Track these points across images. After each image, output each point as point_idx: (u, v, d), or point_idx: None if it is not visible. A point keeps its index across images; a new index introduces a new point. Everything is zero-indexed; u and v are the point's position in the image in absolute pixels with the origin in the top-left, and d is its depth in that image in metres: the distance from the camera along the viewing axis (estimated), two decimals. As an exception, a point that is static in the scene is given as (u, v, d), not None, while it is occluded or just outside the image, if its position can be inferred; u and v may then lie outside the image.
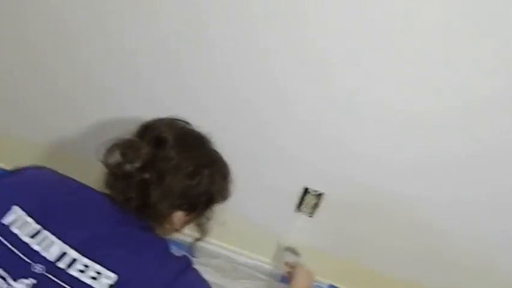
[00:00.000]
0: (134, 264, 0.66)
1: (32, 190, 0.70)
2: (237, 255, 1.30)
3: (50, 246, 0.63)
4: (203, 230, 0.84)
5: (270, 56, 0.94)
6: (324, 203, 1.14)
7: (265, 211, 1.21)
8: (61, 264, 0.62)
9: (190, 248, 0.87)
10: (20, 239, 0.62)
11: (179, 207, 0.77)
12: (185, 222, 0.82)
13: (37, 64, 1.13)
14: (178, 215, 0.78)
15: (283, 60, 0.93)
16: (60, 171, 0.78)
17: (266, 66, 0.95)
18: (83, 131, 1.21)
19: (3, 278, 0.59)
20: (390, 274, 1.22)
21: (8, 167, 1.26)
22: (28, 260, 0.61)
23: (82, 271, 0.62)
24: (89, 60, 1.08)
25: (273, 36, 0.91)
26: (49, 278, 0.61)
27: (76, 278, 0.61)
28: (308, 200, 1.13)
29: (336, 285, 1.27)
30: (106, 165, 0.74)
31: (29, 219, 0.64)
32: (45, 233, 0.64)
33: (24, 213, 0.64)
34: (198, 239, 0.85)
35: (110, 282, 0.62)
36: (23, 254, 0.61)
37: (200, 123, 0.86)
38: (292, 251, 1.23)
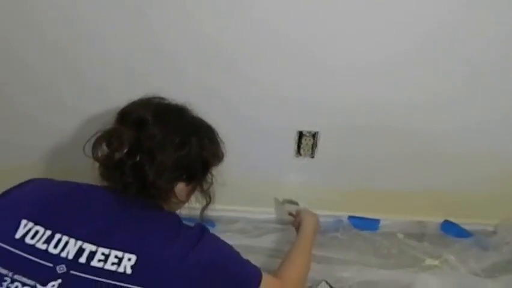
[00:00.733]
0: (150, 241, 0.67)
1: (34, 201, 0.70)
2: (254, 214, 1.31)
3: (66, 246, 0.63)
4: (208, 195, 0.84)
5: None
6: (321, 141, 1.14)
7: (267, 164, 1.21)
8: (82, 260, 0.62)
9: (202, 217, 0.87)
10: (37, 248, 0.63)
11: (178, 179, 0.78)
12: (189, 192, 0.83)
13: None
14: (180, 187, 0.79)
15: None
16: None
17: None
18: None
19: (33, 286, 0.60)
20: (399, 188, 1.24)
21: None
22: (50, 264, 0.62)
23: (102, 260, 0.63)
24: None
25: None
26: (74, 274, 0.61)
27: (99, 268, 0.62)
28: (305, 142, 1.13)
29: (354, 214, 1.30)
30: (96, 159, 0.75)
31: (39, 228, 0.65)
32: (58, 235, 0.64)
33: (32, 223, 0.65)
34: (206, 206, 0.86)
35: (132, 263, 0.63)
36: (44, 260, 0.62)
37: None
38: (291, 201, 1.25)
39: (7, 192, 0.73)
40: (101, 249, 0.64)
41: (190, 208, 0.87)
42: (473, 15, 0.91)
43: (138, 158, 0.71)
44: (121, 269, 0.62)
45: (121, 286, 0.61)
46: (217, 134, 0.85)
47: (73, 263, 0.62)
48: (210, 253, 0.71)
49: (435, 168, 1.20)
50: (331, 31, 0.94)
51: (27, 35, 0.99)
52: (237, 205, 1.30)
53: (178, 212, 0.84)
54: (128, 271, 0.62)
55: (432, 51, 0.96)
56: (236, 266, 0.74)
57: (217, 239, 0.76)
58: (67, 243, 0.64)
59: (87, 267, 0.62)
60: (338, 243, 1.25)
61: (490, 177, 1.20)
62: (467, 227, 1.26)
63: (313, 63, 1.00)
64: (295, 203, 1.25)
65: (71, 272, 0.62)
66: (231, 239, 0.78)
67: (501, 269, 1.14)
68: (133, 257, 0.63)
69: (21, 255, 0.62)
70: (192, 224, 0.75)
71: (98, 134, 0.75)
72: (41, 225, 0.65)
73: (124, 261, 0.63)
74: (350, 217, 1.30)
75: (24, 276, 0.60)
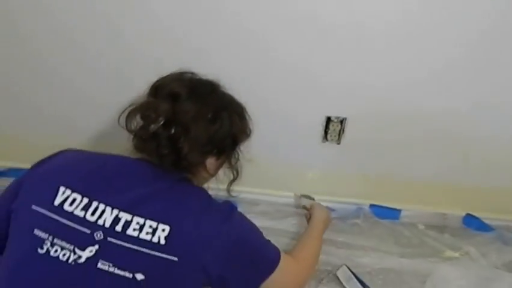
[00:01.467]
0: (183, 213, 0.68)
1: (72, 169, 0.71)
2: (276, 197, 1.31)
3: (103, 214, 0.65)
4: (236, 170, 0.86)
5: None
6: (348, 128, 1.13)
7: (292, 149, 1.21)
8: (118, 228, 0.64)
9: (229, 192, 0.89)
10: (75, 215, 0.64)
11: (209, 154, 0.79)
12: (218, 167, 0.84)
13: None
14: (210, 161, 0.80)
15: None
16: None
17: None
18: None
19: (71, 250, 0.62)
20: (423, 179, 1.22)
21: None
22: (88, 231, 0.63)
23: (137, 230, 0.64)
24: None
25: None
26: (111, 242, 0.63)
27: (135, 237, 0.63)
28: (333, 128, 1.13)
29: (376, 203, 1.29)
30: (130, 131, 0.76)
31: (76, 195, 0.66)
32: (95, 203, 0.65)
33: (70, 191, 0.66)
34: (233, 180, 0.87)
35: (166, 233, 0.64)
36: (82, 227, 0.64)
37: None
38: (307, 196, 1.26)
39: (41, 162, 0.75)
40: (136, 219, 0.65)
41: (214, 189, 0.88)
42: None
43: (173, 131, 0.72)
44: (155, 239, 0.63)
45: (154, 255, 0.63)
46: (246, 111, 0.86)
47: (109, 231, 0.63)
48: (239, 230, 0.73)
49: (460, 161, 1.18)
50: (363, 16, 0.92)
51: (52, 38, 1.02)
52: (260, 187, 1.31)
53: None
54: (162, 241, 0.63)
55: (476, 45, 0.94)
56: (260, 245, 0.77)
57: (245, 217, 0.77)
58: (103, 211, 0.65)
59: (123, 235, 0.63)
60: (358, 230, 1.25)
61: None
62: (489, 222, 1.24)
63: (344, 49, 0.98)
64: (312, 198, 1.26)
65: (108, 239, 0.63)
66: (253, 221, 0.79)
67: (523, 265, 1.13)
68: (167, 228, 0.64)
69: (61, 221, 0.64)
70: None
71: (133, 107, 0.75)
72: (79, 193, 0.66)
73: (158, 232, 0.64)
74: (372, 205, 1.29)
75: (63, 240, 0.62)
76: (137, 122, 0.76)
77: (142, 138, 0.74)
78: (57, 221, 0.64)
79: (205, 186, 0.85)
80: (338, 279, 1.08)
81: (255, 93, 1.06)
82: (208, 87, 0.81)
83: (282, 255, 0.78)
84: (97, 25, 1.01)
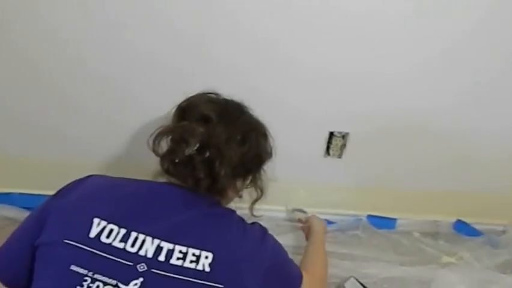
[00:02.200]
0: (223, 239, 0.66)
1: (103, 198, 0.66)
2: (276, 212, 1.30)
3: (143, 244, 0.61)
4: (261, 190, 0.84)
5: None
6: (349, 142, 1.15)
7: (294, 163, 1.21)
8: (161, 258, 0.60)
9: (251, 212, 0.87)
10: (114, 247, 0.60)
11: (240, 175, 0.77)
12: (243, 187, 0.83)
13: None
14: (239, 182, 0.79)
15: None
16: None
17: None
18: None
19: (114, 285, 0.57)
20: (423, 189, 1.26)
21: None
22: (130, 263, 0.59)
23: (181, 258, 0.60)
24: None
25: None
26: (155, 273, 0.59)
27: (179, 266, 0.60)
28: (335, 142, 1.14)
29: (375, 214, 1.31)
30: (158, 154, 0.72)
31: (113, 226, 0.61)
32: (134, 233, 0.61)
33: (105, 222, 0.62)
34: (257, 199, 0.85)
35: (209, 261, 0.61)
36: (123, 259, 0.59)
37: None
38: (300, 210, 1.27)
39: (68, 190, 0.69)
40: (178, 247, 0.62)
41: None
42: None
43: (208, 154, 0.69)
44: (199, 267, 0.60)
45: (201, 284, 0.60)
46: (268, 131, 0.85)
47: (153, 262, 0.60)
48: (274, 253, 0.72)
49: (449, 170, 1.23)
50: (365, 36, 0.94)
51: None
52: (259, 203, 1.29)
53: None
54: (207, 269, 0.61)
55: (464, 54, 0.98)
56: (288, 267, 0.77)
57: (274, 238, 0.77)
58: (143, 241, 0.61)
59: (167, 265, 0.60)
60: (358, 241, 1.27)
61: (500, 179, 1.25)
62: (478, 227, 1.30)
63: (349, 73, 1.01)
64: (304, 212, 1.26)
65: (152, 270, 0.59)
66: None
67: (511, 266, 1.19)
68: (210, 255, 0.62)
69: (100, 254, 0.59)
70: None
71: (162, 129, 0.72)
72: (115, 224, 0.62)
73: (202, 259, 0.61)
74: (369, 216, 1.31)
75: (104, 275, 0.57)
76: (162, 145, 0.72)
77: (174, 162, 0.71)
78: (95, 254, 0.59)
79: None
80: (347, 291, 1.09)
81: (263, 106, 1.06)
82: (237, 108, 0.81)
83: (303, 274, 0.78)
84: (96, 34, 0.96)
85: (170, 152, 0.71)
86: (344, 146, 1.14)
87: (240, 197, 0.83)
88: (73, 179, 0.71)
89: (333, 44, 0.96)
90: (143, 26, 0.93)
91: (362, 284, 1.08)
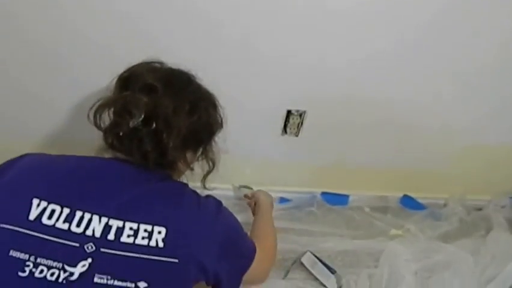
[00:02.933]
0: (175, 213, 0.63)
1: (41, 176, 0.60)
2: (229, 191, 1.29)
3: (90, 224, 0.56)
4: (212, 161, 0.81)
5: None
6: (306, 121, 1.14)
7: (251, 142, 1.19)
8: (110, 236, 0.56)
9: (204, 184, 0.84)
10: (58, 228, 0.54)
11: (190, 146, 0.74)
12: (194, 160, 0.79)
13: None
14: (189, 155, 0.75)
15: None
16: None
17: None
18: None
19: (60, 268, 0.52)
20: (373, 166, 1.29)
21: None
22: (77, 244, 0.54)
23: (132, 236, 0.57)
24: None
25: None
26: (105, 252, 0.54)
27: (131, 244, 0.56)
28: (292, 121, 1.13)
29: (329, 191, 1.33)
30: (100, 128, 0.67)
31: (55, 206, 0.56)
32: (79, 213, 0.56)
33: (46, 202, 0.56)
34: (209, 172, 0.82)
35: (162, 236, 0.58)
36: (69, 241, 0.54)
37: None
38: (246, 186, 1.26)
39: (1, 170, 0.61)
40: (128, 224, 0.58)
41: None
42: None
43: (155, 125, 0.65)
44: (152, 243, 0.57)
45: (155, 260, 0.57)
46: (218, 101, 0.81)
47: (101, 241, 0.55)
48: (228, 226, 0.71)
49: (398, 148, 1.28)
50: (318, 12, 0.92)
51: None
52: (217, 182, 1.26)
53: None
54: (160, 244, 0.58)
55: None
56: (243, 241, 0.76)
57: (229, 211, 0.75)
58: (90, 220, 0.56)
59: (117, 244, 0.56)
60: (314, 217, 1.28)
61: (442, 156, 1.31)
62: (422, 201, 1.37)
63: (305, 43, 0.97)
64: (250, 188, 1.25)
65: (101, 249, 0.55)
66: None
67: (451, 236, 1.25)
68: (163, 230, 0.59)
69: (41, 237, 0.53)
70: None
71: (102, 101, 0.66)
72: (57, 204, 0.56)
73: (155, 235, 0.58)
74: (323, 193, 1.33)
75: (48, 259, 0.52)
76: (104, 118, 0.67)
77: (119, 136, 0.66)
78: (36, 237, 0.53)
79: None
80: (304, 265, 1.10)
81: (217, 85, 1.02)
82: (184, 77, 0.75)
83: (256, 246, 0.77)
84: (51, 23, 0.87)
85: (114, 125, 0.66)
86: (301, 124, 1.14)
87: (192, 169, 0.79)
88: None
89: (293, 25, 0.93)
90: None
91: (317, 258, 1.10)
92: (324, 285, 1.05)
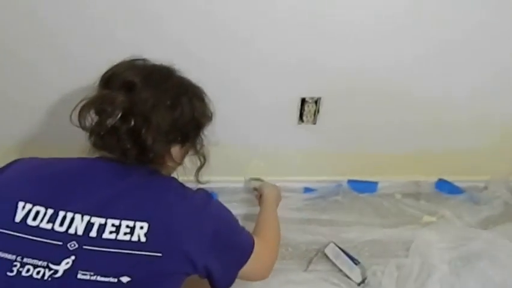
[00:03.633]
0: (158, 207, 0.62)
1: (27, 180, 0.62)
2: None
3: (73, 222, 0.57)
4: (202, 156, 0.79)
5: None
6: (322, 107, 1.09)
7: (269, 133, 1.16)
8: (92, 234, 0.57)
9: (198, 179, 0.82)
10: (42, 228, 0.56)
11: (174, 142, 0.72)
12: (183, 154, 0.78)
13: None
14: (175, 150, 0.74)
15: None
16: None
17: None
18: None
19: (45, 266, 0.54)
20: (395, 151, 1.21)
21: None
22: (60, 243, 0.56)
23: (114, 232, 0.57)
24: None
25: None
26: (87, 249, 0.56)
27: (113, 240, 0.57)
28: (308, 108, 1.09)
29: (355, 178, 1.27)
30: (85, 128, 0.67)
31: (39, 208, 0.58)
32: (62, 213, 0.58)
33: (30, 204, 0.58)
34: (201, 166, 0.80)
35: (145, 230, 0.58)
36: (52, 240, 0.56)
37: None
38: (256, 179, 1.22)
39: None
40: (110, 221, 0.58)
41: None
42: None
43: (133, 122, 0.64)
44: (134, 238, 0.57)
45: (137, 255, 0.57)
46: (205, 93, 0.78)
47: (83, 238, 0.56)
48: (217, 220, 0.68)
49: (428, 130, 1.18)
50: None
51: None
52: (237, 176, 1.26)
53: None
54: (143, 239, 0.57)
55: (435, 15, 0.90)
56: (237, 235, 0.73)
57: (221, 205, 0.73)
58: (72, 219, 0.57)
59: (99, 240, 0.56)
60: (339, 206, 1.23)
61: (479, 136, 1.19)
62: (459, 184, 1.26)
63: (315, 28, 0.93)
64: (261, 180, 1.21)
65: (84, 247, 0.56)
66: (235, 209, 0.75)
67: (493, 221, 1.13)
68: (145, 225, 0.58)
69: (27, 238, 0.55)
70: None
71: (84, 101, 0.66)
72: (41, 205, 0.58)
73: (137, 230, 0.58)
74: (350, 181, 1.27)
75: (34, 258, 0.54)
76: (91, 117, 0.67)
77: (100, 135, 0.66)
78: (23, 238, 0.55)
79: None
80: (327, 256, 1.06)
81: (227, 78, 1.00)
82: (164, 72, 0.74)
83: (255, 240, 0.74)
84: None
85: (96, 124, 0.66)
86: (317, 111, 1.09)
87: (180, 164, 0.78)
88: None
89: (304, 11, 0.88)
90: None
91: (341, 249, 1.05)
92: (348, 277, 1.00)
